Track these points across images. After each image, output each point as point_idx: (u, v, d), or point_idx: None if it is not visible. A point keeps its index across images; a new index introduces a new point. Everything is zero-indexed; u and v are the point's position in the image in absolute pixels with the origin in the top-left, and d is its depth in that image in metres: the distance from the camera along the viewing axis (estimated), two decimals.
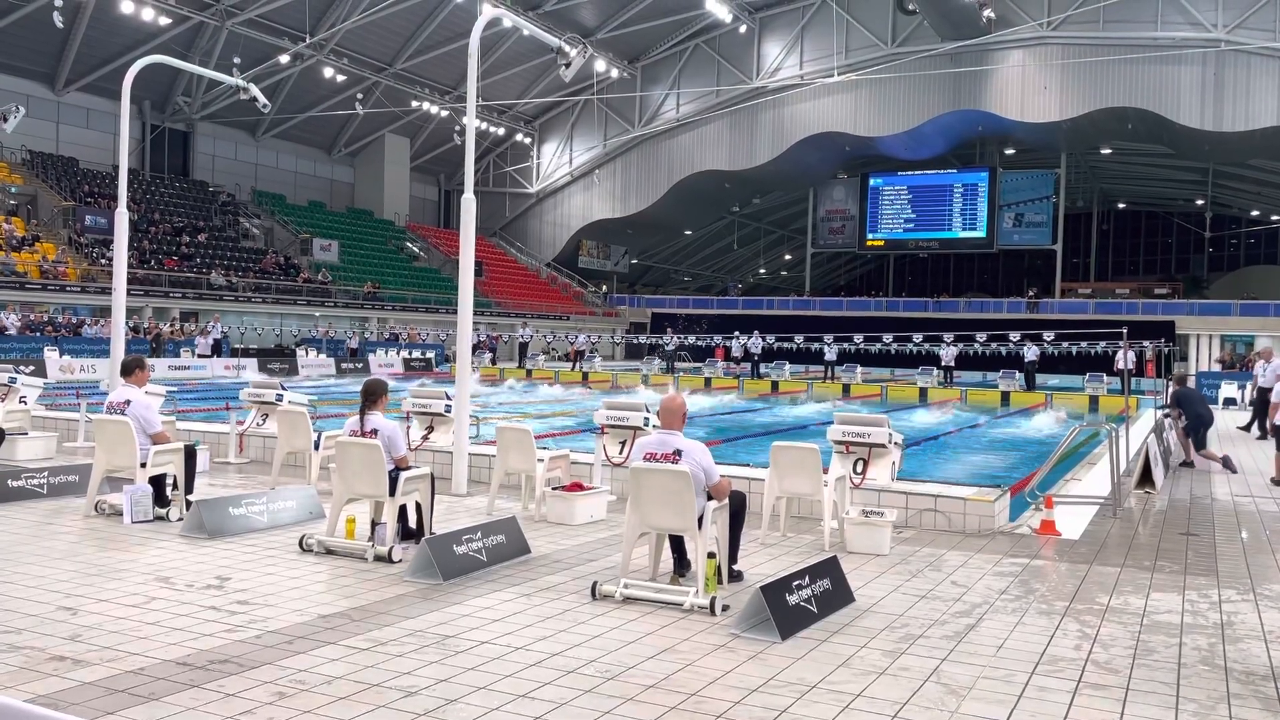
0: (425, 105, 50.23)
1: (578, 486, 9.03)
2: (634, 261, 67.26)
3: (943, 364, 33.70)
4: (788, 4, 50.48)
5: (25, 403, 13.23)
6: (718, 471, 6.40)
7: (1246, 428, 18.44)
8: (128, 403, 8.44)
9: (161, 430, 8.60)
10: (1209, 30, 41.97)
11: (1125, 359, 17.76)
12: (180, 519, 8.14)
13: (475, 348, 34.12)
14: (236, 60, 38.22)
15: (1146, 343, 28.99)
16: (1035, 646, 5.50)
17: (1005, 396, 28.58)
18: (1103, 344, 33.33)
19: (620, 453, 9.42)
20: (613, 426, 9.80)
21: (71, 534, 7.75)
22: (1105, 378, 29.55)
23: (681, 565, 6.72)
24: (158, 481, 8.44)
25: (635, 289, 67.12)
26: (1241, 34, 41.48)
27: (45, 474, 9.34)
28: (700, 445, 6.40)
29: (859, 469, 8.89)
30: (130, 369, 8.77)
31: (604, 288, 61.41)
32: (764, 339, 37.14)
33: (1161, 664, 5.25)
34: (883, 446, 8.90)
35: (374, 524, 7.37)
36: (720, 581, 6.31)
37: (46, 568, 6.63)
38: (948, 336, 33.95)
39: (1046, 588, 6.81)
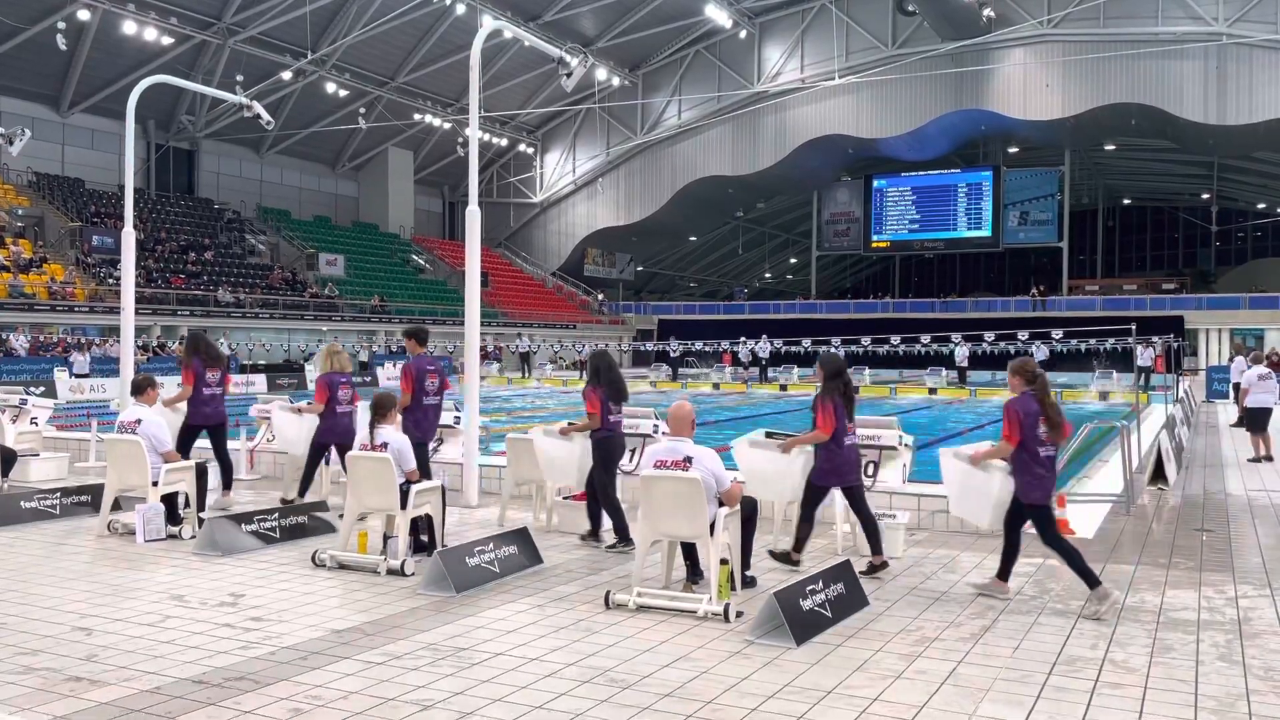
0: (428, 118, 50.39)
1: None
2: (639, 269, 67.28)
3: (957, 363, 33.67)
4: (787, 8, 50.53)
5: (36, 424, 13.28)
6: (729, 477, 6.39)
7: (1240, 423, 18.90)
8: (138, 422, 8.47)
9: (172, 449, 8.63)
10: (1210, 24, 41.90)
11: (1143, 355, 17.81)
12: (193, 537, 8.15)
13: (481, 358, 34.16)
14: (239, 78, 38.35)
15: (1155, 338, 28.89)
16: (1052, 647, 5.48)
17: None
18: (1111, 340, 33.18)
19: (630, 461, 9.41)
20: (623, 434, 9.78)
21: (85, 554, 7.77)
22: (1115, 374, 29.48)
23: (694, 572, 6.70)
24: (170, 500, 8.45)
25: (641, 296, 67.13)
26: (1243, 27, 41.39)
27: (58, 495, 9.36)
28: (710, 452, 6.38)
29: (870, 472, 8.87)
30: (141, 388, 8.80)
31: (600, 296, 60.97)
32: (771, 343, 37.11)
33: (1179, 661, 5.23)
34: (893, 449, 8.89)
35: (386, 538, 7.36)
36: (734, 588, 6.29)
37: (61, 588, 6.65)
38: (956, 336, 33.89)
39: (1061, 587, 6.78)
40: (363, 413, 9.00)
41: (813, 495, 7.30)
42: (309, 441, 9.55)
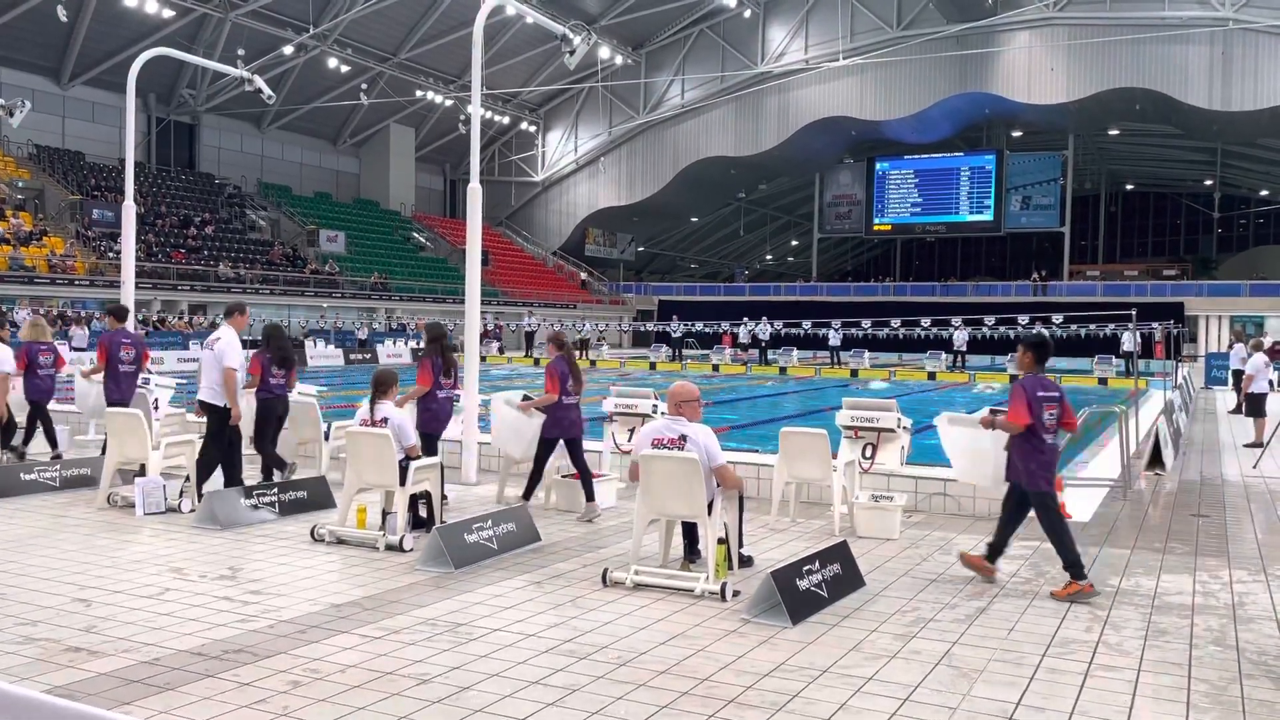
0: (429, 95, 50.15)
1: None
2: (640, 249, 67.15)
3: (955, 347, 33.67)
4: None
5: None
6: (722, 456, 6.38)
7: (1238, 409, 18.95)
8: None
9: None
10: (1217, 9, 41.65)
11: (1132, 341, 17.87)
12: (192, 510, 8.18)
13: (482, 337, 34.21)
14: (240, 52, 38.13)
15: (1155, 324, 28.89)
16: (1046, 629, 5.50)
17: (1014, 379, 28.58)
18: (1111, 326, 33.18)
19: (629, 440, 9.43)
20: (621, 414, 9.83)
21: (84, 526, 7.80)
22: (1114, 360, 29.54)
23: (691, 551, 6.73)
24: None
25: (642, 276, 67.01)
26: (1249, 12, 41.15)
27: (57, 467, 9.39)
28: (705, 429, 6.38)
29: (868, 454, 8.90)
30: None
31: (582, 276, 60.51)
32: (771, 325, 37.09)
33: (1173, 645, 5.25)
34: (891, 431, 8.91)
35: (385, 513, 7.38)
36: (730, 567, 6.32)
37: (60, 560, 6.68)
38: (956, 320, 33.84)
39: (1057, 570, 6.79)
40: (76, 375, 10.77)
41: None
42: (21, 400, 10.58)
